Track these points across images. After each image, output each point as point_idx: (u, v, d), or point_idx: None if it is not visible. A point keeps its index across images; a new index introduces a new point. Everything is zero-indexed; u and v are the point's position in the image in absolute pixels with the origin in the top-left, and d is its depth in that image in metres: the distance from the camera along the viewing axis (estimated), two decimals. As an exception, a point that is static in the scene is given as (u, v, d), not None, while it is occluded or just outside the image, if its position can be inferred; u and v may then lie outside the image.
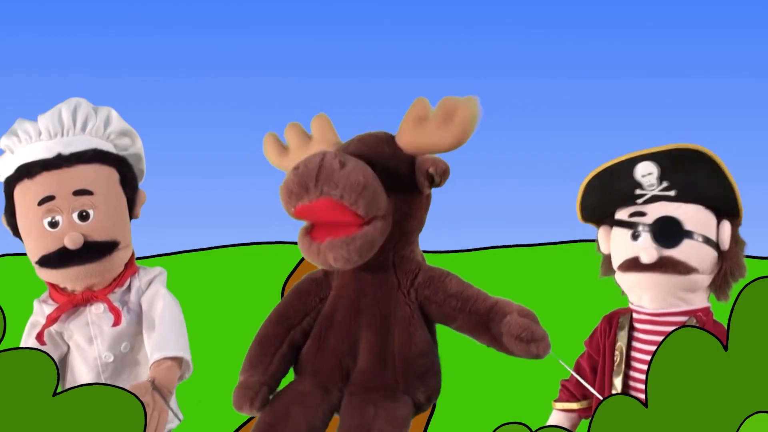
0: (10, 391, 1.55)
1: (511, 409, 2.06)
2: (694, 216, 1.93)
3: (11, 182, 2.06)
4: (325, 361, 1.98)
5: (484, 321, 1.89)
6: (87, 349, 2.08)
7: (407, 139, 1.95)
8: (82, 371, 2.08)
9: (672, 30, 3.51)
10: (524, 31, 3.55)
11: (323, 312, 2.01)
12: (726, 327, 1.90)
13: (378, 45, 3.56)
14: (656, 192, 1.94)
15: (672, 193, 1.93)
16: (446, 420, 2.04)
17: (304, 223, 1.92)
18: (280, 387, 1.99)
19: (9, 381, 1.55)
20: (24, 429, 1.54)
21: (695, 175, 1.93)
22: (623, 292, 2.04)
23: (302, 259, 2.46)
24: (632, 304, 2.02)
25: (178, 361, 1.99)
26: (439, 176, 1.92)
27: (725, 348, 1.59)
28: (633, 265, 1.94)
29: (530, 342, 1.82)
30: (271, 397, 1.95)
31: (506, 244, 3.12)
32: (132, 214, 2.12)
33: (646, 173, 1.94)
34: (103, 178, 2.05)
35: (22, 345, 2.07)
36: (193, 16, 3.64)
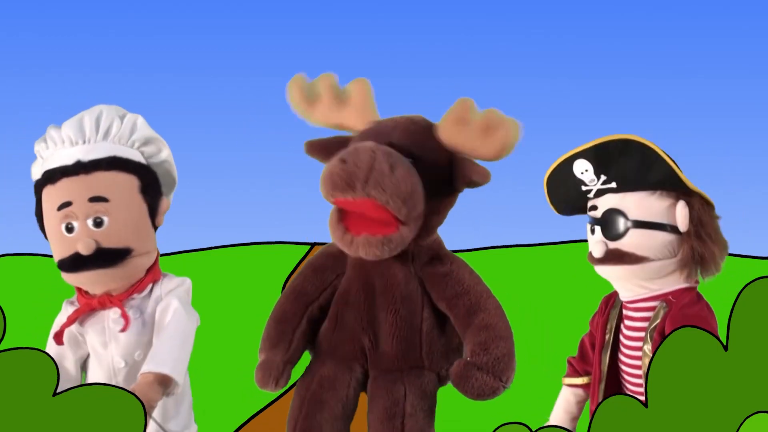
0: (10, 391, 1.55)
1: (511, 409, 2.06)
2: (638, 204, 1.95)
3: (39, 187, 2.12)
4: (343, 339, 2.01)
5: (462, 333, 1.97)
6: (102, 354, 2.10)
7: (447, 136, 1.96)
8: (97, 374, 2.11)
9: (672, 30, 3.51)
10: (524, 31, 3.55)
11: (339, 290, 2.03)
12: (708, 308, 1.95)
13: (378, 45, 3.56)
14: (599, 186, 1.97)
15: (613, 185, 1.96)
16: (445, 420, 2.04)
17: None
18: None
19: (9, 381, 1.55)
20: (24, 429, 1.54)
21: (628, 164, 1.93)
22: None
23: (302, 258, 2.47)
24: None
25: (162, 377, 1.98)
26: (480, 185, 1.96)
27: (725, 343, 1.59)
28: (590, 258, 2.01)
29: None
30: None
31: (506, 244, 3.12)
32: (154, 221, 2.12)
33: (583, 170, 1.97)
34: (121, 185, 2.07)
35: (48, 342, 2.12)
36: (193, 15, 3.64)
